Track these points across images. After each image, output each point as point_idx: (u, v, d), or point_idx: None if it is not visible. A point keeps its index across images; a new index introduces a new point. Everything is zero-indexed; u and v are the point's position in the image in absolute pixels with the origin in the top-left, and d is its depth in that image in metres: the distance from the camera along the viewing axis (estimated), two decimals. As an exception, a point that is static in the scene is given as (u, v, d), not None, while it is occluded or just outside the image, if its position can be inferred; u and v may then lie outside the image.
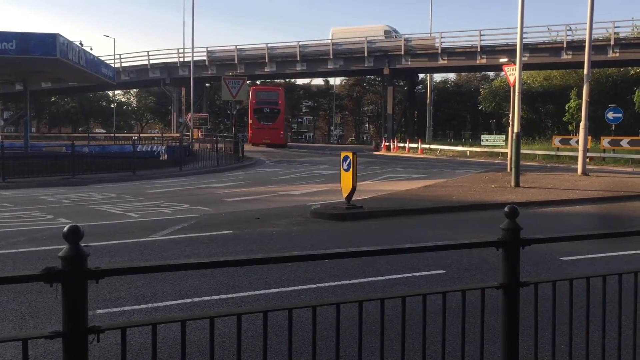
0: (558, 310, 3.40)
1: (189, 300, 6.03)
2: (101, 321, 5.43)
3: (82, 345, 2.23)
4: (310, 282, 6.68)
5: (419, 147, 44.21)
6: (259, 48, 53.51)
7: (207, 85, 62.23)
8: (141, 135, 48.01)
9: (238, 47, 53.76)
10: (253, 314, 3.05)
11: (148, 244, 8.97)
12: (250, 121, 47.75)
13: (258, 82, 61.92)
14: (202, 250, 8.53)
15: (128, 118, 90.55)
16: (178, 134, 46.32)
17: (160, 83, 58.63)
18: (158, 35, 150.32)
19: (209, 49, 54.62)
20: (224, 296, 6.18)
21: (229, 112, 44.41)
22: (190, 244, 8.95)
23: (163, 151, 28.63)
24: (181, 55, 54.95)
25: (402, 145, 47.57)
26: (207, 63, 53.98)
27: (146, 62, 56.82)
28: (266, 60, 52.40)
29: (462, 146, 44.12)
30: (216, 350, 4.59)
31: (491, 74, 71.58)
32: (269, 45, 52.93)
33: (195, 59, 45.97)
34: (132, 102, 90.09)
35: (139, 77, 58.30)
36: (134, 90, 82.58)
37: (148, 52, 56.88)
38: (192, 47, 40.12)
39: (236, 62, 52.95)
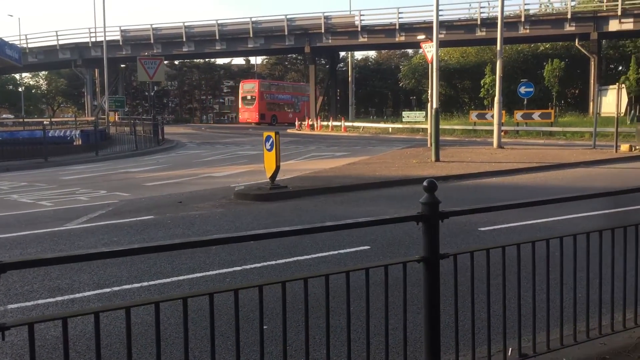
0: (478, 279, 3.49)
1: (108, 290, 5.80)
2: (13, 317, 5.13)
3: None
4: (236, 265, 6.58)
5: (342, 125, 44.55)
6: (175, 27, 51.97)
7: (122, 66, 59.98)
8: (53, 120, 45.63)
9: (154, 26, 52.01)
10: (174, 301, 2.92)
11: (62, 234, 8.55)
12: (240, 105, 56.97)
13: (177, 62, 60.52)
14: (121, 237, 8.22)
15: (38, 102, 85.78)
16: (93, 118, 44.46)
17: (71, 64, 55.89)
18: (68, 14, 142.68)
19: (122, 28, 52.61)
20: (145, 284, 5.99)
21: (147, 93, 43.04)
22: (108, 232, 8.60)
23: (77, 136, 27.33)
24: (93, 34, 52.52)
25: (325, 123, 47.77)
26: (121, 43, 51.95)
27: (55, 43, 53.92)
28: (184, 40, 51.02)
29: (385, 123, 44.83)
30: (138, 339, 4.45)
31: (410, 51, 73.00)
32: (186, 24, 51.51)
33: (108, 38, 43.94)
34: (42, 85, 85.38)
35: (47, 58, 55.34)
36: (43, 72, 78.33)
37: (57, 31, 53.94)
38: (104, 26, 38.30)
39: (152, 41, 51.26)
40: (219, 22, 50.75)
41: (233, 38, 50.79)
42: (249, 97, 56.60)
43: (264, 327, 4.75)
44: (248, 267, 6.52)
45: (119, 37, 51.96)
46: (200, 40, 51.48)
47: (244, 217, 9.75)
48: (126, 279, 6.15)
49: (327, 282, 3.03)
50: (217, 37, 50.34)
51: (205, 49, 52.46)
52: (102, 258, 2.72)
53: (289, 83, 58.53)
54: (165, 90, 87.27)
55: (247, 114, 56.08)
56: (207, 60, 79.02)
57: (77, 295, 5.66)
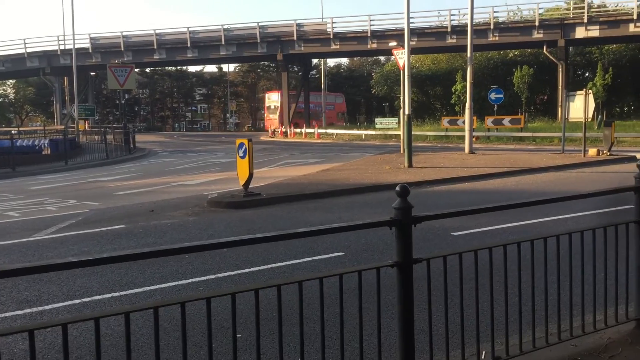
0: (452, 283, 3.51)
1: (77, 301, 5.68)
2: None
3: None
4: (209, 273, 6.51)
5: (316, 132, 44.62)
6: (146, 34, 51.49)
7: (92, 74, 59.11)
8: (21, 129, 44.67)
9: (124, 33, 51.44)
10: (145, 311, 2.87)
11: (31, 245, 8.37)
12: (265, 114, 61.76)
13: (148, 69, 60.01)
14: (91, 247, 8.08)
15: (5, 111, 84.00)
16: (62, 127, 43.70)
17: (39, 73, 54.86)
18: (36, 22, 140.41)
19: (92, 35, 51.84)
20: (116, 294, 5.89)
21: (117, 101, 42.57)
22: (77, 242, 8.45)
23: (46, 145, 26.85)
24: (62, 42, 51.72)
25: (299, 130, 47.79)
26: (90, 51, 51.23)
27: (23, 51, 52.89)
28: (155, 47, 50.54)
29: (358, 130, 45.02)
30: (109, 350, 4.36)
31: (382, 58, 73.53)
32: (157, 31, 51.07)
33: (77, 46, 43.39)
34: (10, 93, 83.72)
35: (15, 66, 54.27)
36: (11, 81, 76.83)
37: (24, 39, 52.94)
38: (73, 34, 37.78)
39: (122, 49, 50.67)
40: (191, 29, 50.45)
41: (205, 45, 50.51)
42: (272, 107, 59.01)
43: (238, 335, 4.72)
44: (221, 275, 6.46)
45: (88, 45, 51.25)
46: (171, 47, 51.08)
47: (217, 225, 9.67)
48: (97, 289, 6.04)
49: (301, 289, 3.01)
50: (189, 45, 50.02)
51: (177, 56, 52.06)
52: (71, 268, 2.66)
53: (313, 93, 60.09)
54: (137, 98, 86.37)
55: (271, 122, 57.80)
56: (178, 67, 78.45)
57: (46, 307, 5.54)
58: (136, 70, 34.90)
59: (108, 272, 6.48)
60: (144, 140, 41.44)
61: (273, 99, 60.54)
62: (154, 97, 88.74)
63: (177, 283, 6.20)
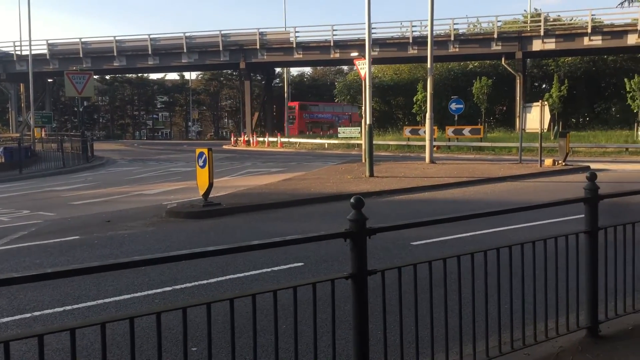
0: (409, 292, 3.52)
1: (28, 315, 5.51)
2: None
3: None
4: (166, 285, 6.40)
5: (279, 141, 44.55)
6: (106, 41, 50.69)
7: (49, 80, 57.85)
8: (-26, 136, 43.54)
9: (83, 39, 50.51)
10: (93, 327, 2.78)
11: (-20, 257, 8.08)
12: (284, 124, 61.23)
13: (108, 76, 59.09)
14: (44, 259, 7.85)
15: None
16: (18, 134, 42.58)
17: (-5, 79, 53.45)
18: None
19: (49, 41, 50.76)
20: (69, 307, 5.73)
21: (76, 109, 41.72)
22: (30, 254, 8.20)
23: (0, 153, 26.08)
24: (18, 48, 50.47)
25: (261, 139, 47.65)
26: (48, 57, 50.15)
27: (-24, 56, 51.51)
28: (115, 54, 49.77)
29: (321, 139, 45.15)
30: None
31: (345, 67, 74.05)
32: (117, 38, 50.34)
33: (34, 52, 42.36)
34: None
35: (-32, 72, 52.76)
36: (-36, 87, 74.54)
37: (-23, 45, 51.58)
38: (30, 39, 36.83)
39: (81, 55, 49.74)
40: (152, 36, 49.89)
41: (166, 53, 50.00)
42: (290, 117, 59.98)
43: (193, 348, 4.65)
44: (179, 287, 6.36)
45: (46, 51, 50.17)
46: (132, 54, 50.39)
47: (175, 236, 9.52)
48: (48, 303, 5.86)
49: (254, 302, 2.98)
50: (150, 52, 49.44)
51: (138, 63, 51.39)
52: (14, 284, 2.56)
53: (329, 104, 62.73)
54: (96, 106, 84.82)
55: (289, 131, 58.56)
56: (139, 75, 77.40)
57: (-6, 322, 5.35)
58: (95, 77, 34.38)
59: (61, 285, 6.30)
60: (103, 149, 40.67)
61: (289, 109, 62.22)
62: (114, 104, 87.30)
63: (132, 295, 6.07)
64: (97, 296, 6.05)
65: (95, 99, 77.35)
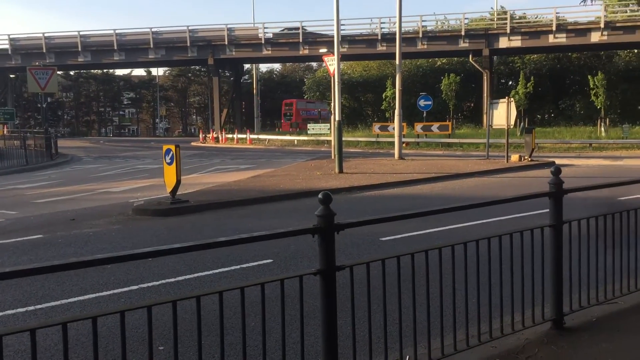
0: (378, 288, 3.52)
1: (-12, 317, 5.35)
2: None
3: None
4: (132, 284, 6.29)
5: (248, 138, 44.31)
6: (70, 36, 49.64)
7: (11, 76, 56.49)
8: None
9: (46, 34, 49.41)
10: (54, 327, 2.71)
11: (-62, 257, 7.83)
12: (282, 120, 63.28)
13: (72, 72, 57.94)
14: (5, 259, 7.64)
15: None
16: (-21, 131, 41.40)
17: (-46, 74, 51.97)
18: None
19: (11, 36, 49.58)
20: (31, 308, 5.59)
21: (39, 105, 40.84)
22: (-9, 253, 7.98)
23: (-40, 151, 25.37)
24: (-22, 43, 49.16)
25: (230, 136, 47.33)
26: (10, 52, 48.94)
27: None
28: (79, 49, 48.82)
29: (290, 135, 45.06)
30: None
31: (314, 64, 74.01)
32: (82, 32, 49.34)
33: (-5, 47, 41.40)
34: None
35: None
36: None
37: (-64, 39, 50.04)
38: (-9, 34, 36.04)
39: (45, 50, 48.65)
40: (117, 31, 49.03)
41: (133, 48, 49.22)
42: (288, 114, 61.21)
43: (161, 347, 4.58)
44: (145, 285, 6.26)
45: (7, 46, 48.96)
46: (97, 50, 49.48)
47: (142, 234, 9.38)
48: (10, 303, 5.71)
49: (221, 300, 2.94)
50: (116, 47, 48.61)
51: (103, 59, 50.48)
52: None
53: (317, 102, 64.17)
54: (60, 102, 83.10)
55: (287, 126, 60.56)
56: (105, 70, 76.06)
57: (-48, 324, 5.18)
58: (59, 73, 33.68)
59: (23, 285, 6.14)
60: (68, 146, 39.86)
61: (288, 106, 63.43)
62: (79, 100, 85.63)
63: (97, 295, 5.95)
64: (61, 296, 5.92)
65: (59, 95, 75.84)
